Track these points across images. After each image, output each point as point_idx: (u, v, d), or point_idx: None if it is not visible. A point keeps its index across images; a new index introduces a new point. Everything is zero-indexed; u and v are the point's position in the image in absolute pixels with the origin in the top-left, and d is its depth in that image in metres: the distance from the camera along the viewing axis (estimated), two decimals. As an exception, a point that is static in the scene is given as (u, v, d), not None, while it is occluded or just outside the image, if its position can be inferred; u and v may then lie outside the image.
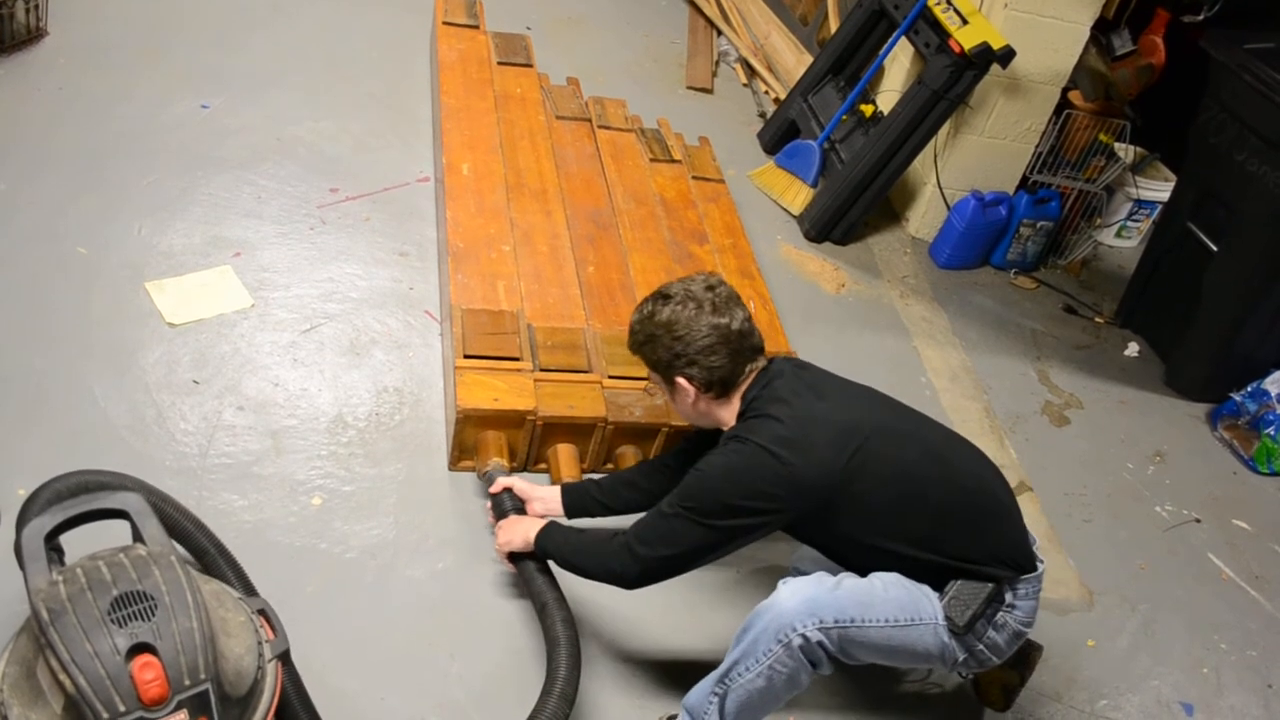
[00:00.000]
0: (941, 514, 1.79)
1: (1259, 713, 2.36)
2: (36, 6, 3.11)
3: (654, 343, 1.85)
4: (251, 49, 3.45)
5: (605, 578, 1.87)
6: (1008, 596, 1.81)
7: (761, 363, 1.89)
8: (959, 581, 1.78)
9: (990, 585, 1.78)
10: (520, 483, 2.17)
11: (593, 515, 2.13)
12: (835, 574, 1.85)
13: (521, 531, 1.99)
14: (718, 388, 1.85)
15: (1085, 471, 2.91)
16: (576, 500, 2.13)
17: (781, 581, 1.77)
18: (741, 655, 1.75)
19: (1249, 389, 3.15)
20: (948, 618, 1.77)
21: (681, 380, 1.85)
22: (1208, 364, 3.26)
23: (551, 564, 1.99)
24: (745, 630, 1.77)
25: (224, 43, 3.43)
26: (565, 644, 1.84)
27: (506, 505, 2.12)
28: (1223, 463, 3.12)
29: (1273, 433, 3.05)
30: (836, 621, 1.72)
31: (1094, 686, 2.30)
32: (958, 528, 1.79)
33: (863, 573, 1.82)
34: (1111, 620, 2.48)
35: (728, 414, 1.88)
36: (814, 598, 1.73)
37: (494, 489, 2.17)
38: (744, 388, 1.87)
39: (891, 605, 1.76)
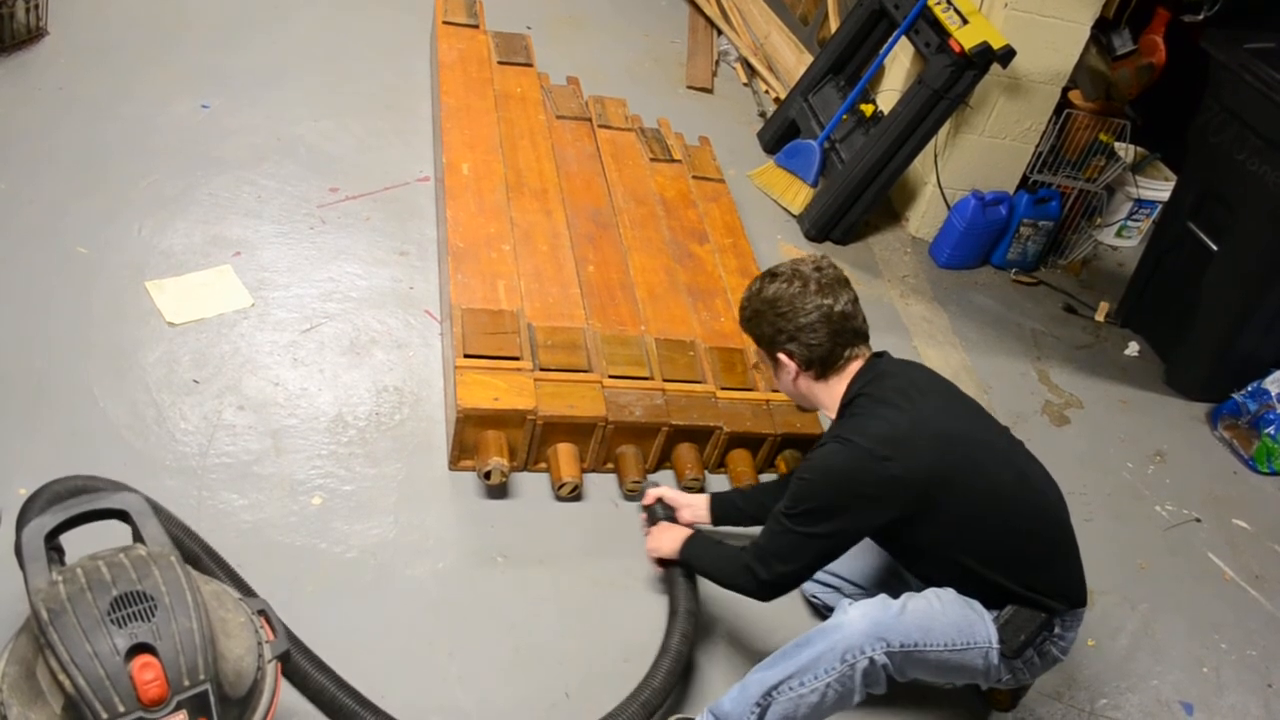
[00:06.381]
0: (1019, 540, 1.81)
1: (1259, 712, 2.36)
2: (36, 6, 3.11)
3: (759, 318, 1.93)
4: (251, 49, 3.45)
5: (737, 591, 1.93)
6: (1057, 627, 1.83)
7: (865, 352, 1.92)
8: (1014, 606, 1.81)
9: (1043, 615, 1.81)
10: (670, 491, 2.25)
11: (738, 524, 2.19)
12: (863, 585, 1.92)
13: (670, 539, 2.09)
14: (818, 366, 1.90)
15: (1085, 471, 2.91)
16: (722, 508, 2.21)
17: (846, 602, 1.80)
18: (798, 670, 1.75)
19: (1249, 388, 3.15)
20: (1001, 640, 1.79)
21: (783, 356, 1.92)
22: (1208, 364, 3.26)
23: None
24: (801, 646, 1.77)
25: (224, 43, 3.43)
26: (671, 657, 1.93)
27: (659, 513, 2.21)
28: (1223, 462, 3.12)
29: (1273, 432, 3.04)
30: (901, 645, 1.74)
31: (1094, 686, 2.30)
32: (1030, 557, 1.82)
33: (925, 580, 1.85)
34: (1111, 620, 2.48)
35: (827, 397, 1.93)
36: (881, 621, 1.75)
37: (646, 500, 2.25)
38: (848, 376, 1.90)
39: (950, 629, 1.78)
